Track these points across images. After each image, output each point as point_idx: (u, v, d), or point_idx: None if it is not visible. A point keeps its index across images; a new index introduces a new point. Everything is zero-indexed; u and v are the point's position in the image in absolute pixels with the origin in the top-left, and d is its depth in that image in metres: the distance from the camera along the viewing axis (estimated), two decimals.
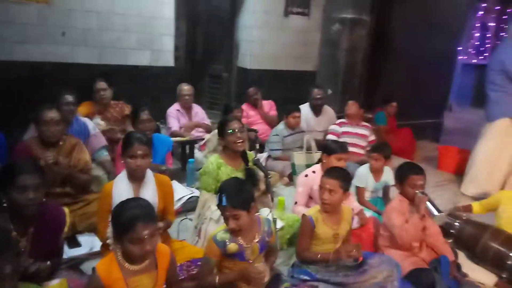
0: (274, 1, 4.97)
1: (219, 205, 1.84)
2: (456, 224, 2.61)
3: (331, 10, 5.13)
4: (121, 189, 2.16)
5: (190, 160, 3.68)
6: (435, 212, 2.25)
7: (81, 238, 2.61)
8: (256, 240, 1.92)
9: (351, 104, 4.36)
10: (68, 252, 2.41)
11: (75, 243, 2.53)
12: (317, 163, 3.00)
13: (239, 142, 2.58)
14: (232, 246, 1.85)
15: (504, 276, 2.37)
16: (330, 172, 2.25)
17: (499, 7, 11.17)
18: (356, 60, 5.19)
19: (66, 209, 2.04)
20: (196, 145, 4.07)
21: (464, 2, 7.02)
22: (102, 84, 3.85)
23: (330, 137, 4.22)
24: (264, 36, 5.02)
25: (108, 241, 1.68)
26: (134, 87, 4.39)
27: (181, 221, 2.90)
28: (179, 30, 4.77)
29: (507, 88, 3.48)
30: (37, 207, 1.85)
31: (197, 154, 4.00)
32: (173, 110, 4.33)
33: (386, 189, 3.32)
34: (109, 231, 1.65)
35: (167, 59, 4.56)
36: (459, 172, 4.61)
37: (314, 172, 2.86)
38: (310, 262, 2.22)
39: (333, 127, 4.35)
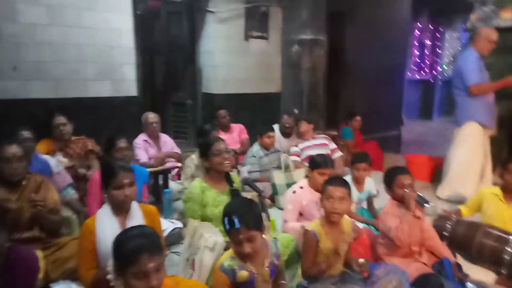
0: (234, 26, 5.01)
1: (229, 230, 1.68)
2: (448, 225, 2.63)
3: (289, 32, 5.26)
4: (105, 224, 1.95)
5: (166, 190, 3.47)
6: (426, 205, 2.25)
7: (57, 287, 2.29)
8: (266, 265, 1.79)
9: (300, 123, 4.53)
10: None
11: None
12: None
13: (226, 163, 2.46)
14: (242, 274, 1.70)
15: (503, 271, 2.39)
16: (336, 181, 2.18)
17: (432, 27, 12.21)
18: (317, 79, 5.31)
19: (39, 253, 1.78)
20: (169, 175, 3.86)
21: (405, 20, 7.55)
22: (61, 119, 3.57)
23: (293, 158, 4.22)
24: (227, 60, 5.02)
25: (108, 277, 1.46)
26: (95, 120, 4.13)
27: (166, 256, 2.67)
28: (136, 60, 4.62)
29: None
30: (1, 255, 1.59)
31: (172, 184, 3.79)
32: (140, 141, 4.10)
33: (369, 199, 3.32)
34: (109, 265, 1.44)
35: (129, 89, 4.37)
36: (429, 178, 4.77)
37: (301, 187, 2.78)
38: (317, 278, 2.11)
39: (292, 149, 4.39)
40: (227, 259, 1.74)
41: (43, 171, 3.02)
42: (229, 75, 5.07)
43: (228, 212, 1.70)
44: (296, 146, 4.33)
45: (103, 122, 4.17)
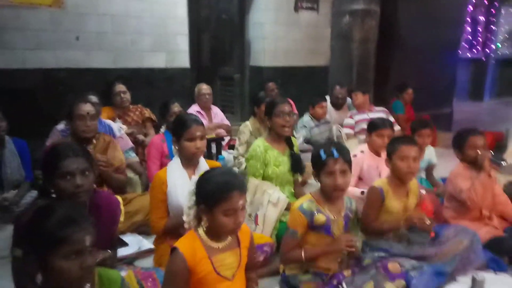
0: None
1: (325, 161, 1.71)
2: None
3: (340, 3, 5.12)
4: (175, 175, 2.02)
5: (220, 157, 3.54)
6: (502, 163, 2.16)
7: (126, 238, 2.43)
8: (342, 215, 1.82)
9: (354, 95, 4.39)
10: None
11: (121, 243, 2.34)
12: None
13: (286, 127, 2.46)
14: (320, 217, 1.75)
15: None
16: (408, 140, 2.15)
17: (487, 2, 11.44)
18: (368, 51, 5.16)
19: (119, 198, 1.86)
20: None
21: None
22: (121, 87, 3.73)
23: (346, 130, 4.14)
24: (276, 32, 4.97)
25: (185, 218, 1.51)
26: (150, 90, 4.26)
27: None
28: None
29: None
30: (88, 195, 1.66)
31: (223, 153, 3.86)
32: (193, 112, 4.18)
33: (429, 168, 3.22)
34: (188, 206, 1.49)
35: (183, 60, 4.46)
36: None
37: (362, 152, 2.74)
38: (377, 235, 2.09)
39: (346, 121, 4.28)
40: (306, 201, 1.78)
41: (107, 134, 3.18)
42: (278, 47, 5.03)
43: (325, 144, 1.81)
44: (351, 118, 4.22)
45: (158, 92, 4.30)
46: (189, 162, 2.05)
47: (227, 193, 1.38)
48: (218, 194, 1.39)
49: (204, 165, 2.14)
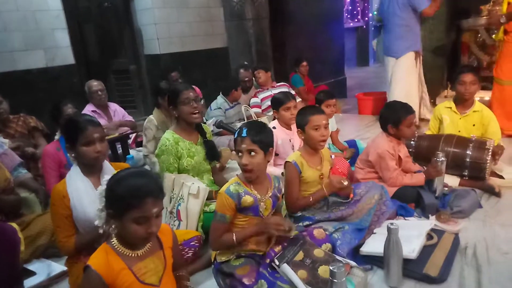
0: None
1: (235, 139, 1.73)
2: (412, 142, 2.78)
3: None
4: (77, 186, 1.79)
5: (128, 156, 3.29)
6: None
7: (32, 267, 2.12)
8: (269, 195, 1.81)
9: (257, 73, 4.46)
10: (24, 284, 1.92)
11: (27, 273, 2.03)
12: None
13: (195, 114, 2.34)
14: (247, 198, 1.72)
15: (465, 174, 2.60)
16: (317, 109, 2.21)
17: None
18: (263, 28, 5.22)
19: (14, 225, 1.60)
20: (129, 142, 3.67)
21: None
22: None
23: (255, 110, 4.20)
24: (167, 16, 4.73)
25: (96, 222, 1.34)
26: (32, 95, 3.74)
27: None
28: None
29: (410, 22, 3.80)
30: None
31: (132, 152, 3.60)
32: (88, 112, 3.79)
33: (333, 135, 3.40)
34: (99, 208, 1.33)
35: (66, 57, 3.99)
36: (376, 113, 5.00)
37: (274, 128, 2.77)
38: (304, 209, 2.15)
39: (252, 100, 4.34)
40: (233, 184, 1.74)
41: None
42: (172, 32, 4.80)
43: (242, 125, 1.76)
44: (256, 96, 4.26)
45: (42, 96, 3.80)
46: (90, 169, 1.83)
47: (139, 200, 1.24)
48: (128, 200, 1.24)
49: (109, 168, 1.94)
